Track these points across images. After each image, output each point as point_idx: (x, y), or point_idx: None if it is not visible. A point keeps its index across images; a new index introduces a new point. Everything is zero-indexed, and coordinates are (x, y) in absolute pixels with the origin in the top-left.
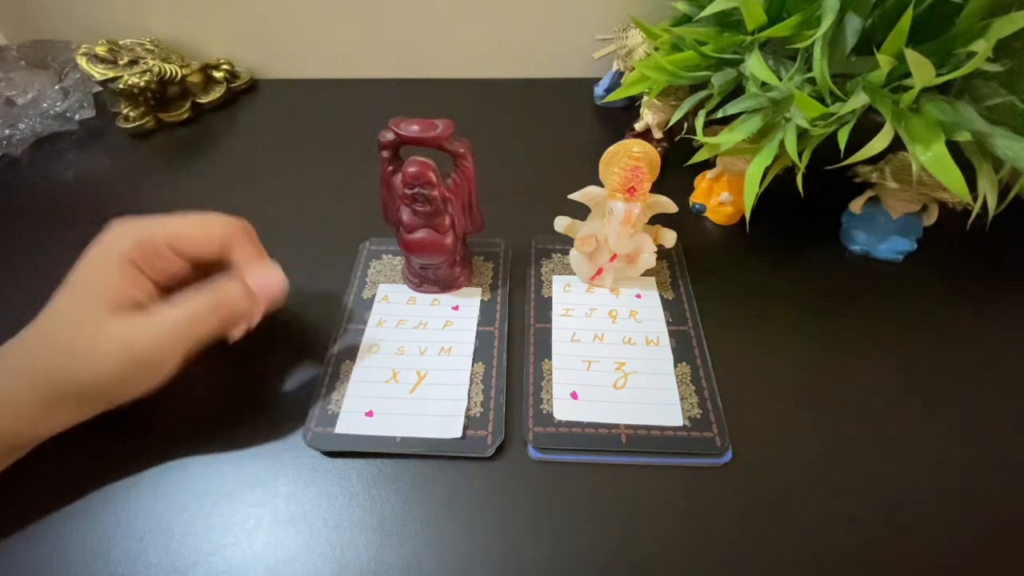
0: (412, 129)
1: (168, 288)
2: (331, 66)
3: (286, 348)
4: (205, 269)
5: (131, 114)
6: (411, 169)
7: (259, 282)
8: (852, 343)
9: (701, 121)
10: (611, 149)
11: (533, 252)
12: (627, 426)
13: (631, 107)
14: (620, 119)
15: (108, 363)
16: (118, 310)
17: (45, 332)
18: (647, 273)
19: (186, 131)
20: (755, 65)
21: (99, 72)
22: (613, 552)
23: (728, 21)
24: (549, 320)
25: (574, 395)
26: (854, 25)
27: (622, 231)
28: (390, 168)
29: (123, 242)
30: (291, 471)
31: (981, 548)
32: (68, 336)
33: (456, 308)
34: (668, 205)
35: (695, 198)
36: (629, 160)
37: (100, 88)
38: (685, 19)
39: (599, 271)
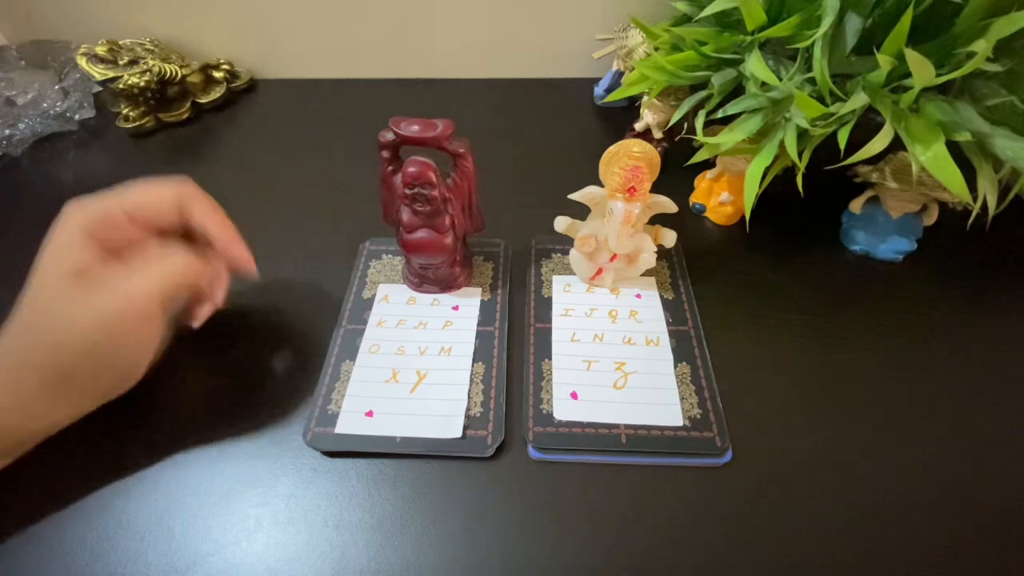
0: (412, 129)
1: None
2: (331, 66)
3: (286, 348)
4: (167, 239)
5: (131, 114)
6: (411, 169)
7: (225, 251)
8: (852, 343)
9: (701, 121)
10: (611, 149)
11: (533, 252)
12: (627, 426)
13: (631, 107)
14: (620, 119)
15: (86, 336)
16: (86, 284)
17: (24, 320)
18: (647, 273)
19: (186, 131)
20: (755, 65)
21: (99, 72)
22: (613, 551)
23: (728, 21)
24: (549, 320)
25: (574, 395)
26: (854, 25)
27: (622, 231)
28: (390, 168)
29: (80, 218)
30: (291, 471)
31: (981, 547)
32: (44, 318)
33: (456, 308)
34: (668, 205)
35: (695, 198)
36: (629, 160)
37: (100, 88)
38: (685, 19)
39: (599, 271)
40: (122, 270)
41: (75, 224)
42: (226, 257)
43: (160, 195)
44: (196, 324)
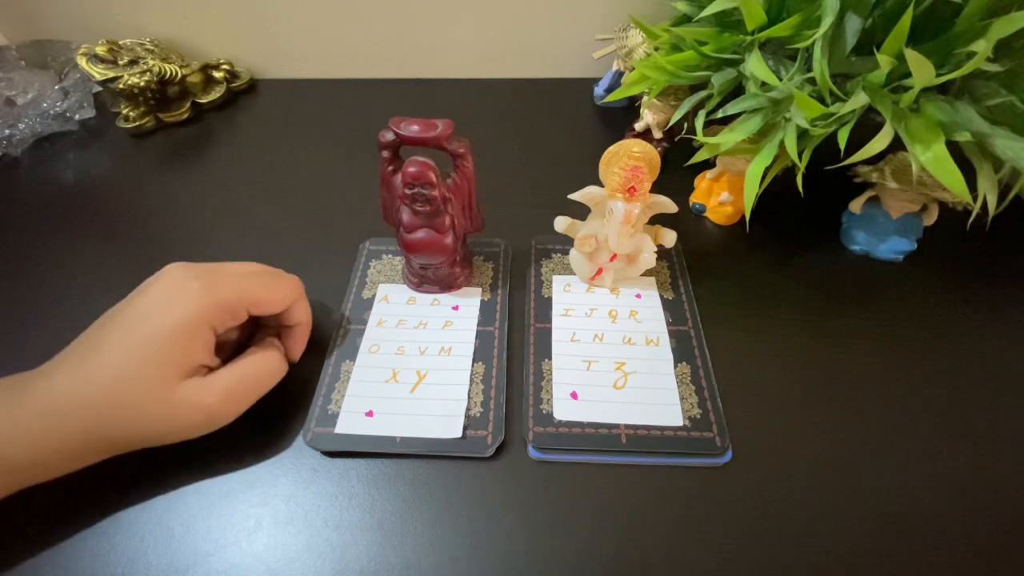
0: (412, 129)
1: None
2: (331, 66)
3: None
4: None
5: (131, 114)
6: (411, 169)
7: (294, 344)
8: (852, 343)
9: (701, 121)
10: (611, 149)
11: (533, 252)
12: (627, 426)
13: (631, 107)
14: (620, 119)
15: (179, 424)
16: (188, 375)
17: (113, 393)
18: (647, 273)
19: (186, 131)
20: (755, 65)
21: (99, 72)
22: (613, 552)
23: (728, 21)
24: (549, 320)
25: (574, 395)
26: (854, 25)
27: (622, 231)
28: (390, 168)
29: (206, 308)
30: (291, 471)
31: (981, 547)
32: (138, 401)
33: (456, 308)
34: (668, 205)
35: (695, 198)
36: (629, 160)
37: (100, 88)
38: (685, 19)
39: (599, 271)
40: (220, 370)
41: (204, 312)
42: (289, 348)
43: (284, 299)
44: None
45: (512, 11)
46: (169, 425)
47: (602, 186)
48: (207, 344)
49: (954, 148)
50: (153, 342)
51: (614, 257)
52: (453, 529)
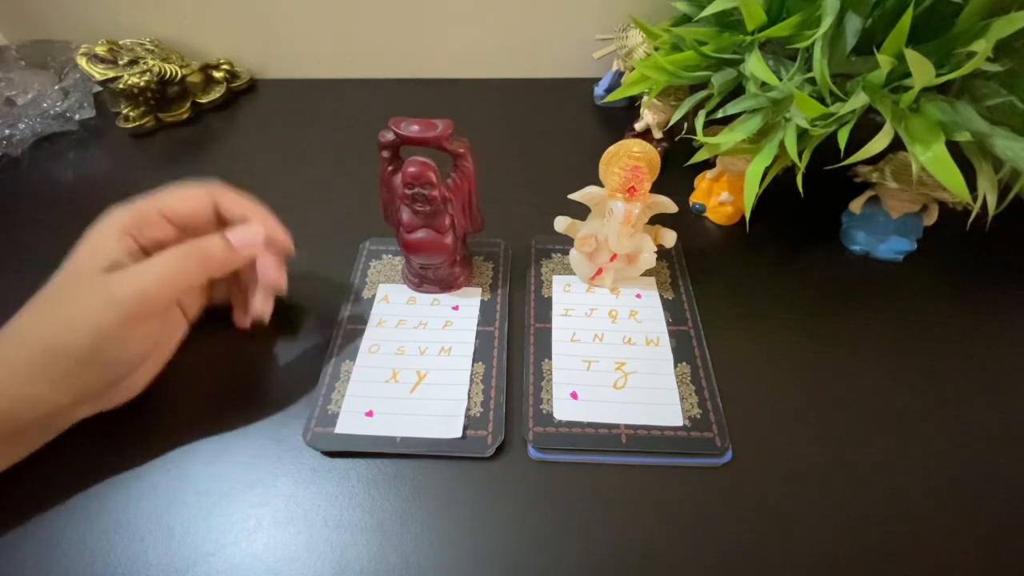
0: (412, 129)
1: None
2: (331, 66)
3: (286, 348)
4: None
5: (131, 114)
6: (411, 169)
7: (239, 236)
8: (852, 343)
9: (701, 121)
10: (611, 149)
11: (533, 252)
12: (627, 426)
13: (631, 107)
14: (620, 119)
15: (96, 317)
16: (106, 272)
17: (41, 305)
18: (647, 273)
19: (186, 131)
20: (755, 65)
21: (99, 72)
22: (613, 552)
23: (728, 21)
24: (549, 320)
25: (574, 395)
26: (854, 25)
27: (622, 231)
28: (390, 168)
29: (117, 216)
30: (291, 471)
31: (980, 548)
32: (61, 304)
33: (456, 308)
34: (668, 205)
35: (695, 198)
36: (629, 160)
37: (100, 88)
38: (685, 19)
39: (599, 271)
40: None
41: (112, 222)
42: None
43: (193, 192)
44: (265, 319)
45: (512, 11)
46: (85, 322)
47: (602, 186)
48: (126, 248)
49: (954, 148)
50: (72, 256)
51: (614, 257)
52: (453, 529)
